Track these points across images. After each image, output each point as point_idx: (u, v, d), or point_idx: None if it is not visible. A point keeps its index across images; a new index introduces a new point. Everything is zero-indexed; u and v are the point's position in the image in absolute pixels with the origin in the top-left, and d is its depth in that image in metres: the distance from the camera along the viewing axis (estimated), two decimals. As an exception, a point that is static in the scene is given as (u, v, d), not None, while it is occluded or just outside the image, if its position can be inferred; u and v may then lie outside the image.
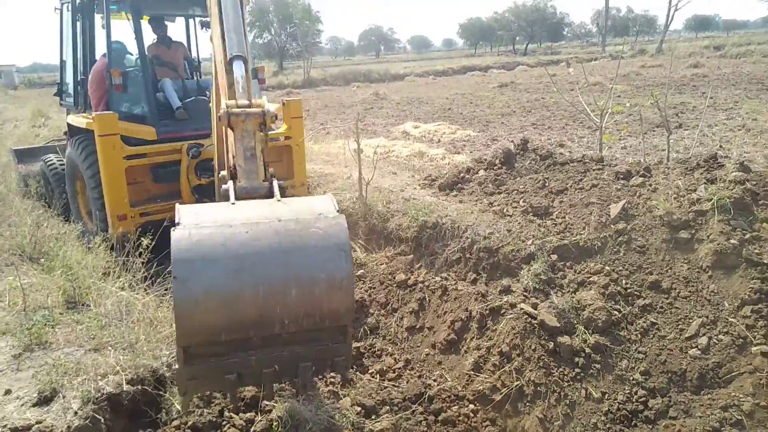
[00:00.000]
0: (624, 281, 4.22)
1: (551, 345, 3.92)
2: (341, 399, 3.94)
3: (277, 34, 49.97)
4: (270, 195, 2.58)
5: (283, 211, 2.36)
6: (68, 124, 6.57)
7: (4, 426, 2.60)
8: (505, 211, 5.31)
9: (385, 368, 4.47)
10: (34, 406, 2.78)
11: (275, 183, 2.66)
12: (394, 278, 5.13)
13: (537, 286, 4.38)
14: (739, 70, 23.81)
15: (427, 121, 17.09)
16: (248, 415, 3.16)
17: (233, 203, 2.42)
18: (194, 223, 2.20)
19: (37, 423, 2.63)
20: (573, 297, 4.21)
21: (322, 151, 10.90)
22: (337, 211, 2.45)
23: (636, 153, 9.24)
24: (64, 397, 2.83)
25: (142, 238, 4.52)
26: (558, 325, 3.98)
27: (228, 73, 3.02)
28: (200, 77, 7.07)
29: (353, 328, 3.53)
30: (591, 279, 4.31)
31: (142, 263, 4.42)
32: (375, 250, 5.95)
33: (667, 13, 45.77)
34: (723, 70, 24.61)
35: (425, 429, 3.75)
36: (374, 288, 5.16)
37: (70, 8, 6.46)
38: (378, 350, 4.66)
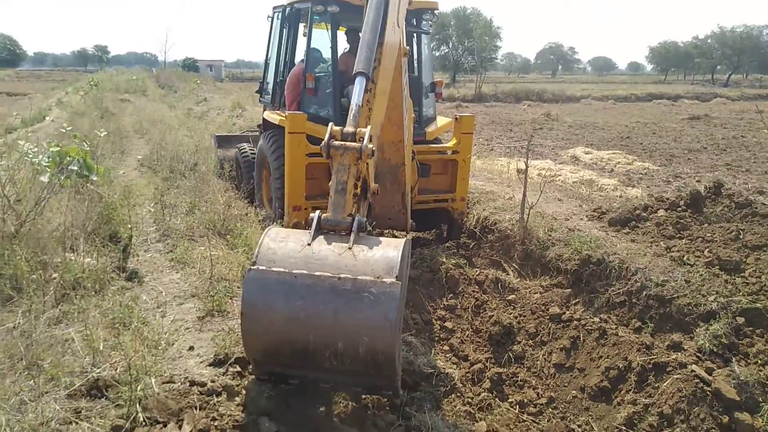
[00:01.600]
0: (831, 365, 3.56)
1: (726, 419, 3.45)
2: (477, 422, 3.87)
3: (455, 47, 50.76)
4: (351, 228, 2.75)
5: (347, 264, 2.57)
6: (264, 119, 7.33)
7: (186, 378, 2.98)
8: (685, 258, 4.79)
9: (526, 400, 4.29)
10: (210, 365, 3.15)
11: (356, 221, 2.75)
12: (548, 310, 4.90)
13: (715, 349, 3.88)
14: None
15: (601, 148, 16.09)
16: (391, 416, 3.25)
17: (309, 244, 2.65)
18: (266, 267, 2.52)
19: (211, 381, 2.97)
20: (761, 370, 3.66)
21: (485, 168, 10.83)
22: (397, 275, 2.55)
23: None
24: (234, 362, 3.16)
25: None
26: (738, 398, 3.49)
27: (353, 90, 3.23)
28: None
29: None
30: (786, 354, 3.71)
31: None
32: (529, 276, 5.74)
33: None
34: None
35: (562, 476, 3.53)
36: (524, 316, 4.98)
37: (279, 16, 7.21)
38: (520, 380, 4.49)
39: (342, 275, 2.51)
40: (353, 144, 2.88)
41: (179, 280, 4.45)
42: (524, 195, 6.09)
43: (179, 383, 2.92)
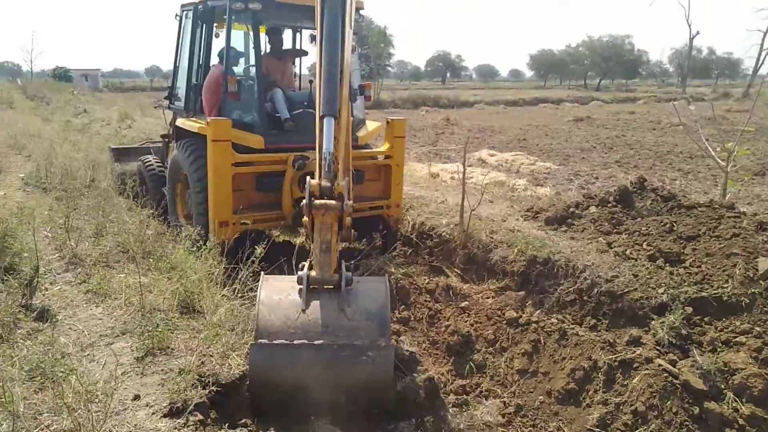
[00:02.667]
0: (781, 346, 3.74)
1: (696, 410, 3.50)
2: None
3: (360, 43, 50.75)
4: (339, 285, 2.92)
5: (343, 327, 2.80)
6: (176, 127, 6.66)
7: (140, 436, 2.46)
8: (628, 253, 4.92)
9: (493, 411, 4.14)
10: (165, 416, 2.64)
11: (344, 278, 2.89)
12: (504, 314, 4.81)
13: (673, 341, 3.97)
14: (841, 121, 22.26)
15: (503, 151, 16.74)
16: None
17: (304, 310, 2.81)
18: (268, 340, 2.71)
19: (170, 437, 2.48)
20: (717, 358, 3.78)
21: (405, 172, 10.74)
22: (389, 336, 2.90)
23: (760, 201, 8.59)
24: (194, 408, 2.68)
25: (256, 246, 4.43)
26: (705, 388, 3.56)
27: (319, 133, 3.11)
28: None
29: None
30: (738, 339, 3.86)
31: (251, 271, 4.31)
32: (474, 280, 5.66)
33: (757, 56, 43.73)
34: (821, 119, 23.09)
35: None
36: (480, 323, 4.86)
37: (190, 15, 6.60)
38: (485, 390, 4.34)
39: (340, 342, 2.72)
40: (334, 203, 2.89)
41: (102, 315, 3.79)
42: (463, 198, 6.02)
43: (131, 444, 2.41)
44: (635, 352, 3.92)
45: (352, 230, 5.54)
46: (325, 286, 2.93)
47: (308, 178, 3.01)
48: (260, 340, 2.72)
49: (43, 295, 4.03)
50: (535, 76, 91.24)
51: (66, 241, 5.05)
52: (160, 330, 3.31)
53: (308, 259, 3.13)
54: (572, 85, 76.04)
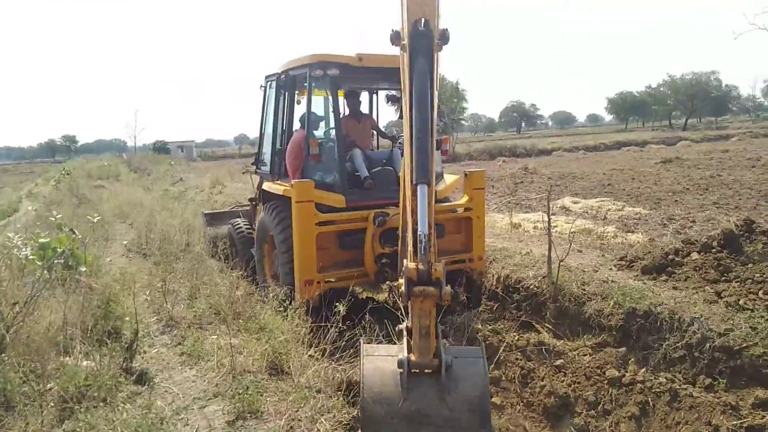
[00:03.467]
0: None
1: None
2: None
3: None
4: (438, 370, 2.86)
5: (445, 418, 2.77)
6: (263, 191, 6.96)
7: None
8: (741, 303, 4.46)
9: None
10: (256, 486, 2.60)
11: (444, 363, 2.84)
12: (604, 373, 4.45)
13: (810, 404, 3.48)
14: None
15: (587, 197, 16.11)
16: None
17: (405, 399, 2.76)
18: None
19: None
20: None
21: (486, 224, 10.55)
22: (490, 427, 2.80)
23: None
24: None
25: (337, 304, 4.43)
26: None
27: (411, 208, 3.05)
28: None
29: None
30: None
31: (338, 331, 4.29)
32: (568, 336, 5.32)
33: None
34: None
35: None
36: (579, 383, 4.51)
37: (273, 85, 7.01)
38: (591, 459, 3.97)
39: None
40: (432, 290, 2.85)
41: (195, 378, 3.89)
42: (549, 248, 5.77)
43: None
44: (764, 417, 3.46)
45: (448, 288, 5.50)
46: (425, 371, 2.89)
47: (405, 261, 2.93)
48: None
49: (142, 357, 4.21)
50: (615, 120, 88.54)
51: (163, 304, 5.30)
52: (250, 393, 3.33)
53: (402, 328, 3.11)
54: (656, 126, 72.98)
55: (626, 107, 78.64)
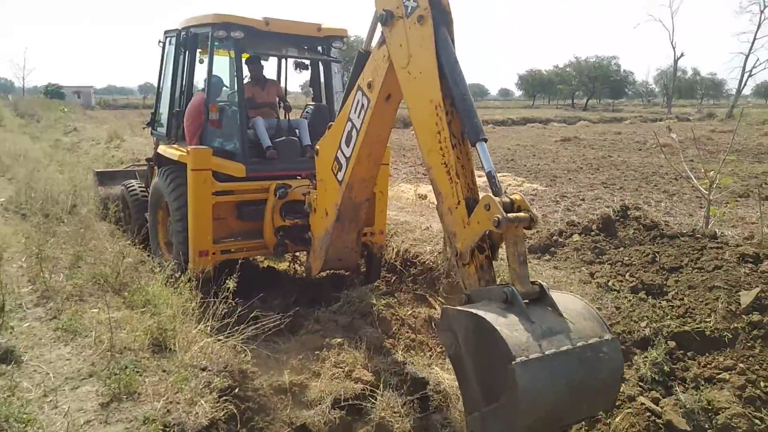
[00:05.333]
0: (763, 383, 3.70)
1: (680, 451, 3.43)
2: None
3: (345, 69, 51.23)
4: (541, 295, 2.92)
5: (572, 331, 2.79)
6: (157, 154, 6.59)
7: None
8: (610, 284, 4.88)
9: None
10: (126, 471, 2.53)
11: (544, 284, 2.92)
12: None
13: (656, 377, 3.91)
14: (824, 142, 22.61)
15: (491, 171, 16.80)
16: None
17: (533, 322, 2.73)
18: (525, 357, 2.59)
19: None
20: (701, 396, 3.72)
21: (392, 196, 10.70)
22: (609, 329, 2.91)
23: (744, 224, 8.57)
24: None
25: (228, 280, 4.34)
26: (688, 429, 3.49)
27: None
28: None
29: None
30: (721, 376, 3.81)
31: (228, 305, 4.22)
32: (458, 310, 5.58)
33: (740, 77, 44.57)
34: (805, 140, 23.44)
35: None
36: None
37: (173, 42, 6.57)
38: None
39: (579, 344, 2.72)
40: (524, 215, 2.94)
41: (70, 356, 3.67)
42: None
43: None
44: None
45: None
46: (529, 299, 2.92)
47: (490, 195, 3.01)
48: (519, 359, 2.56)
49: (11, 333, 3.90)
50: (524, 96, 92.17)
51: (39, 273, 4.93)
52: (127, 373, 3.21)
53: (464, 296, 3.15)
54: (560, 105, 76.92)
55: (534, 84, 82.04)
